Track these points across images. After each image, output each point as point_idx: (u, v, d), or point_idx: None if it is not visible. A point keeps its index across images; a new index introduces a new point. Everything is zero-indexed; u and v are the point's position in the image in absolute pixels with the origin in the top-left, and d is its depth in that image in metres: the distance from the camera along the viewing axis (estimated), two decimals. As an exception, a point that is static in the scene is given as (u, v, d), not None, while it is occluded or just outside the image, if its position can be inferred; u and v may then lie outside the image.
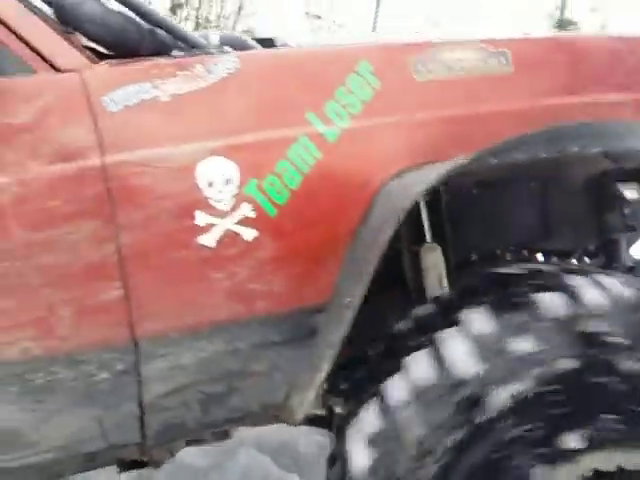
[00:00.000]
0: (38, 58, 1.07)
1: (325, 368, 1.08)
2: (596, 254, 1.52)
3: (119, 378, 1.06)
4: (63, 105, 1.04)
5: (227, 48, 1.18)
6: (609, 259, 1.41)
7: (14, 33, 1.08)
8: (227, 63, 1.10)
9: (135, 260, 1.03)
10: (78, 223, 1.02)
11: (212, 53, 1.11)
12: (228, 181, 1.05)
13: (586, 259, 1.57)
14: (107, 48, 1.16)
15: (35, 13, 1.11)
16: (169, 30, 1.15)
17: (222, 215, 1.05)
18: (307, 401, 1.11)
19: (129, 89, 1.06)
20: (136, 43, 1.14)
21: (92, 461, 1.18)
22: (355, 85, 1.13)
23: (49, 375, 1.04)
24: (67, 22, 1.13)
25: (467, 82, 1.19)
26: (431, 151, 1.14)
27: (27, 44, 1.08)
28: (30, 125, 1.03)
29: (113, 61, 1.11)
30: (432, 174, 1.04)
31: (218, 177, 1.05)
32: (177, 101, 1.06)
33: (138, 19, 1.15)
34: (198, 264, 1.05)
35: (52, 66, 1.08)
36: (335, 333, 1.06)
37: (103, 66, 1.09)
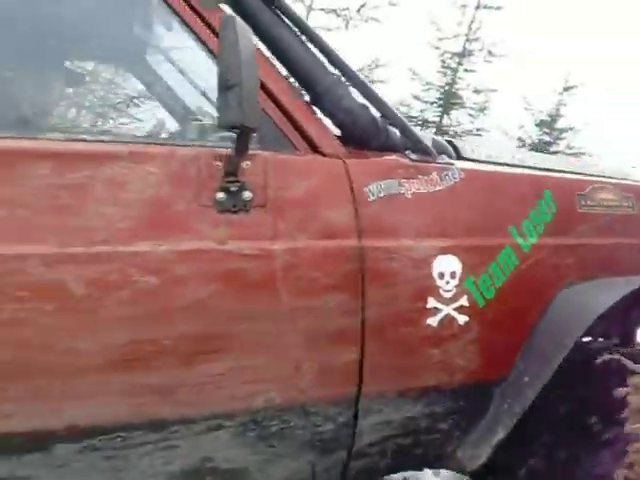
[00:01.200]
0: (304, 140, 1.24)
1: (502, 432, 1.29)
2: None
3: (339, 429, 1.21)
4: (330, 188, 1.21)
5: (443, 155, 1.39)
6: None
7: (286, 114, 1.25)
8: (454, 173, 1.32)
9: (373, 331, 1.21)
10: (334, 294, 1.18)
11: (440, 161, 1.33)
12: (453, 275, 1.26)
13: None
14: (349, 138, 1.33)
15: (302, 98, 1.28)
16: (403, 130, 1.35)
17: (446, 302, 1.25)
18: (479, 457, 1.31)
19: (381, 183, 1.25)
20: (374, 138, 1.33)
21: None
22: (542, 209, 1.39)
23: (283, 423, 1.18)
24: (322, 109, 1.31)
25: (612, 218, 1.50)
26: (590, 269, 1.42)
27: (296, 126, 1.24)
28: (301, 200, 1.19)
29: (363, 152, 1.30)
30: (624, 286, 1.32)
31: (447, 271, 1.25)
32: (418, 200, 1.27)
33: (378, 115, 1.35)
34: (421, 339, 1.24)
35: (316, 149, 1.25)
36: (516, 405, 1.28)
37: (360, 157, 1.27)
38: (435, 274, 1.25)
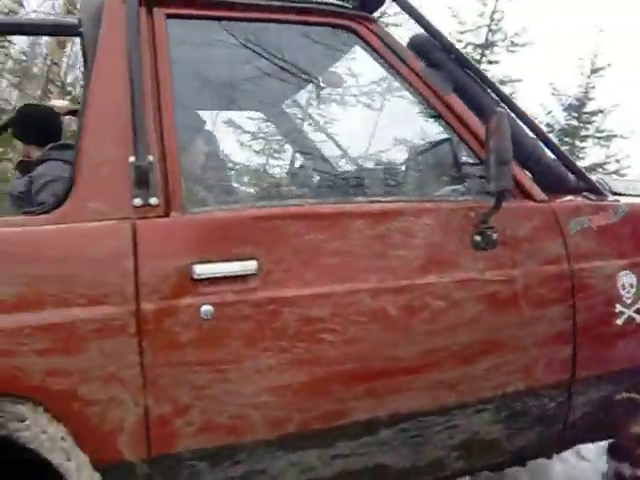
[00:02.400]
0: (520, 191, 1.63)
1: None
2: None
3: (558, 407, 1.62)
4: (546, 226, 1.61)
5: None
6: None
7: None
8: (622, 207, 1.73)
9: (582, 331, 1.61)
10: (555, 305, 1.58)
11: (610, 199, 1.74)
12: (632, 285, 1.67)
13: None
14: (544, 185, 1.72)
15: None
16: (579, 174, 1.75)
17: (628, 306, 1.67)
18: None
19: (577, 219, 1.66)
20: (563, 184, 1.73)
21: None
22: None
23: (524, 405, 1.57)
24: (523, 164, 1.70)
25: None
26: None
27: (515, 180, 1.63)
28: (528, 237, 1.59)
29: (556, 196, 1.70)
30: None
31: (627, 282, 1.67)
32: (602, 231, 1.68)
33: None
34: (613, 336, 1.66)
35: (528, 197, 1.64)
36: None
37: (557, 200, 1.67)
38: (619, 285, 1.66)
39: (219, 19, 1.52)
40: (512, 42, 7.70)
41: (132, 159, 1.33)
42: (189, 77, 1.57)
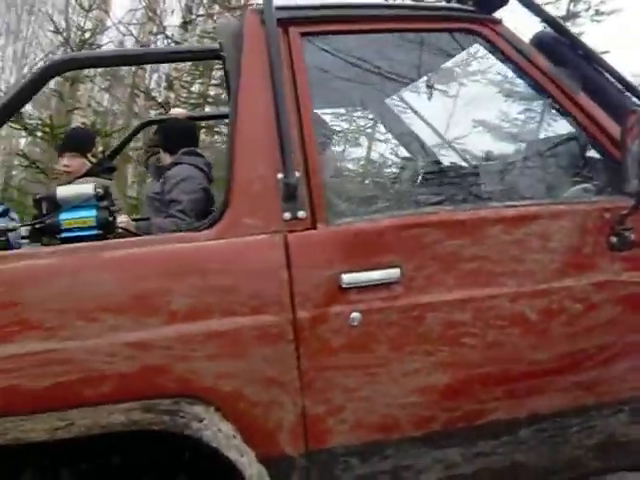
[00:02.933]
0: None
1: None
2: None
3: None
4: None
5: None
6: None
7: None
8: None
9: None
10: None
11: None
12: None
13: None
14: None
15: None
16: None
17: None
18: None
19: None
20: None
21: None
22: None
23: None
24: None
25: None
26: None
27: None
28: None
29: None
30: None
31: None
32: None
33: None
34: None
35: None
36: None
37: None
38: None
39: (349, 33, 1.57)
40: (596, 11, 7.31)
41: (280, 175, 1.42)
42: (325, 93, 1.63)
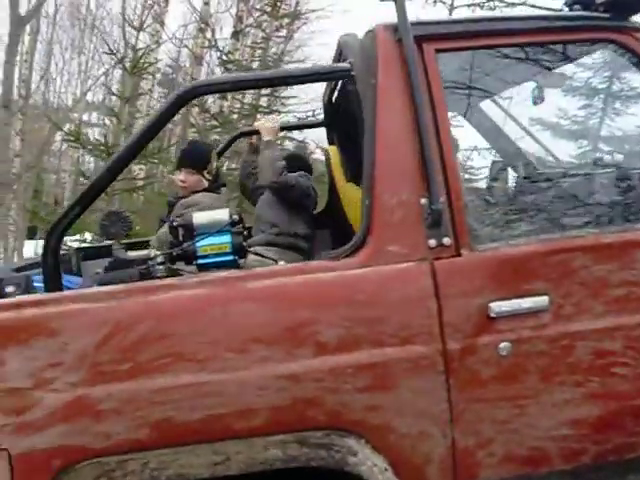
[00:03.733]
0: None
1: None
2: None
3: None
4: None
5: None
6: None
7: None
8: None
9: None
10: None
11: None
12: None
13: None
14: None
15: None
16: None
17: None
18: None
19: None
20: None
21: None
22: None
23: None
24: None
25: None
26: None
27: None
28: None
29: None
30: None
31: None
32: None
33: None
34: None
35: None
36: None
37: None
38: None
39: (484, 48, 1.52)
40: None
41: (424, 201, 1.38)
42: (461, 111, 1.59)
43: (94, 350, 1.29)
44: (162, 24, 8.41)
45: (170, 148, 7.52)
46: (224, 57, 7.16)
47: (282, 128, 2.85)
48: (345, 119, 2.66)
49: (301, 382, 1.29)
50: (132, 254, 1.51)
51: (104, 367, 1.28)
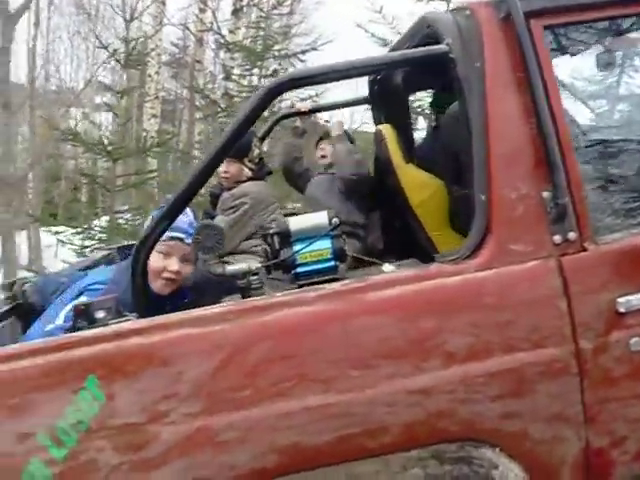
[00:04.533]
0: None
1: None
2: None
3: None
4: None
5: None
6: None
7: None
8: None
9: None
10: None
11: None
12: None
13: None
14: None
15: None
16: None
17: None
18: None
19: None
20: None
21: None
22: None
23: None
24: None
25: None
26: None
27: None
28: None
29: None
30: None
31: None
32: None
33: None
34: None
35: None
36: None
37: None
38: None
39: (598, 21, 1.40)
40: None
41: (546, 194, 1.29)
42: (573, 93, 1.48)
43: (210, 378, 1.20)
44: (163, 3, 7.98)
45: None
46: (221, 40, 6.86)
47: (322, 109, 2.73)
48: (398, 99, 2.55)
49: (432, 395, 1.22)
50: (230, 268, 1.39)
51: (223, 395, 1.20)
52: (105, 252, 2.61)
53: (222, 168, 2.43)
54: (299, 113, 2.64)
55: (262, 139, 2.57)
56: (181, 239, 1.61)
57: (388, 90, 2.48)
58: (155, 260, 1.57)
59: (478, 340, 1.24)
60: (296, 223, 1.37)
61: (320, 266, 1.38)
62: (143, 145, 6.15)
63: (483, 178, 1.31)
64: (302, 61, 6.28)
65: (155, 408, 1.19)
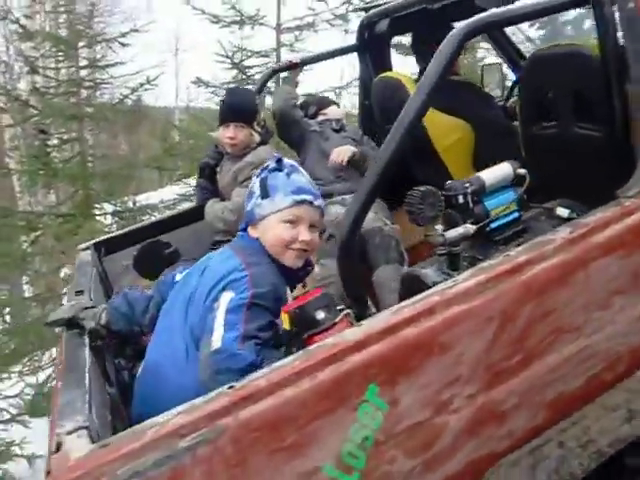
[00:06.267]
0: None
1: None
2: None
3: None
4: None
5: None
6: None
7: None
8: None
9: None
10: None
11: None
12: None
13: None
14: None
15: None
16: None
17: None
18: None
19: None
20: None
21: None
22: None
23: None
24: None
25: None
26: None
27: None
28: None
29: None
30: None
31: None
32: None
33: None
34: None
35: None
36: None
37: None
38: None
39: None
40: None
41: None
42: None
43: (485, 352, 1.13)
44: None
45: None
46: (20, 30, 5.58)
47: (312, 60, 2.54)
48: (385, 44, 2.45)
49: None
50: (450, 235, 1.26)
51: (498, 366, 1.14)
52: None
53: (228, 134, 2.15)
54: (290, 66, 2.42)
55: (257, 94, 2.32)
56: (310, 202, 1.43)
57: (376, 36, 2.42)
58: (282, 231, 1.36)
59: None
60: (490, 177, 1.30)
61: (508, 219, 1.34)
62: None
63: None
64: (124, 45, 5.31)
65: (439, 399, 1.10)
